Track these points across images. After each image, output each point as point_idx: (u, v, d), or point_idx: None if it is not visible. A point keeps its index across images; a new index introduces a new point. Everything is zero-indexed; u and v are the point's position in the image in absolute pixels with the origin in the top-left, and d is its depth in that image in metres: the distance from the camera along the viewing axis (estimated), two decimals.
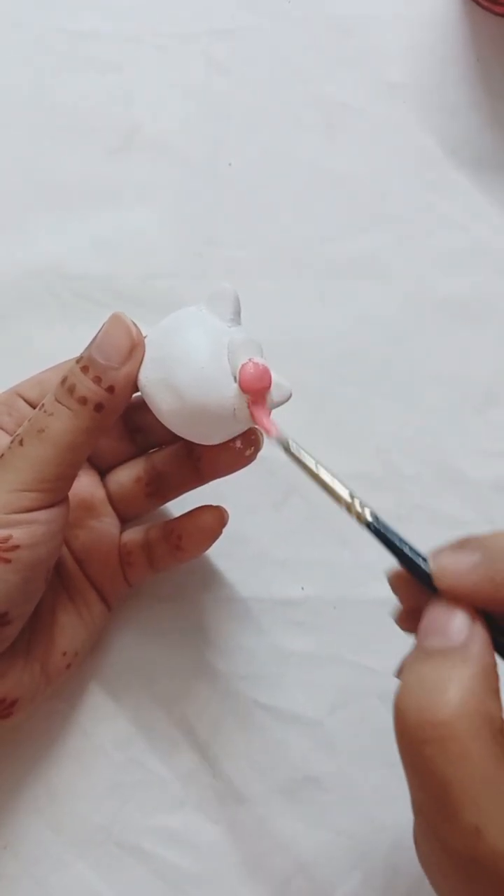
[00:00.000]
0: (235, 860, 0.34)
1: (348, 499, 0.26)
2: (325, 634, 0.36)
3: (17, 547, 0.27)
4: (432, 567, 0.24)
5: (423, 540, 0.36)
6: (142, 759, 0.35)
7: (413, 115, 0.39)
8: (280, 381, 0.28)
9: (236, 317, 0.29)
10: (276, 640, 0.36)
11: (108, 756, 0.35)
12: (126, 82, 0.39)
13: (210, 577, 0.36)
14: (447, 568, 0.24)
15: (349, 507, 0.26)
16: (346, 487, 0.26)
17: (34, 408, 0.31)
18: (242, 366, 0.27)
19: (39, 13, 0.39)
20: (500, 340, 0.38)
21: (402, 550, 0.25)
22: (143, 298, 0.38)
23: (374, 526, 0.25)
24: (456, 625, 0.23)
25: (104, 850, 0.34)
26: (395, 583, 0.26)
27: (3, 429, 0.31)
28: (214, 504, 0.33)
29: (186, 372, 0.27)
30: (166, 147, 0.39)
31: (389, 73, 0.39)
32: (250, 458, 0.31)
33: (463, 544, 0.24)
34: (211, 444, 0.30)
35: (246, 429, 0.29)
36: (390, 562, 0.36)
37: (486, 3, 0.39)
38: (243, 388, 0.27)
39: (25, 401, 0.32)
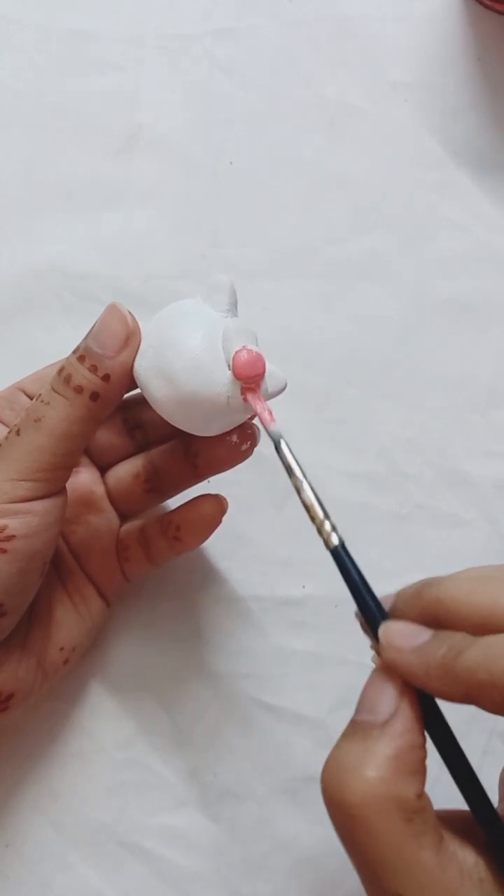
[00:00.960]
0: (237, 859, 0.34)
1: (321, 516, 0.25)
2: (327, 634, 0.36)
3: (12, 537, 0.27)
4: (381, 634, 0.24)
5: (426, 540, 0.37)
6: (143, 758, 0.35)
7: (415, 116, 0.39)
8: (275, 371, 0.28)
9: (233, 308, 0.29)
10: (277, 640, 0.36)
11: (110, 756, 0.35)
12: (129, 83, 0.39)
13: (211, 577, 0.36)
14: (393, 643, 0.23)
15: (320, 527, 0.25)
16: (323, 507, 0.26)
17: None
18: (236, 352, 0.27)
19: (42, 14, 0.39)
20: (502, 341, 0.38)
21: (358, 588, 0.25)
22: (146, 299, 0.38)
23: (338, 553, 0.25)
24: (383, 701, 0.23)
25: (106, 850, 0.34)
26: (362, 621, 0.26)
27: (3, 423, 0.31)
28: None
29: (180, 359, 0.27)
30: (169, 148, 0.39)
31: (391, 73, 0.39)
32: (246, 454, 0.31)
33: (424, 608, 0.23)
34: (206, 435, 0.29)
35: (241, 421, 0.29)
36: (393, 562, 0.37)
37: (487, 2, 0.39)
38: (236, 375, 0.27)
39: (27, 396, 0.32)
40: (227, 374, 0.27)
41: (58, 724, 0.35)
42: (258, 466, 0.32)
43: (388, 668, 0.23)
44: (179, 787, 0.35)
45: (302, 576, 0.36)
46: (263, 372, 0.28)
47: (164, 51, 0.39)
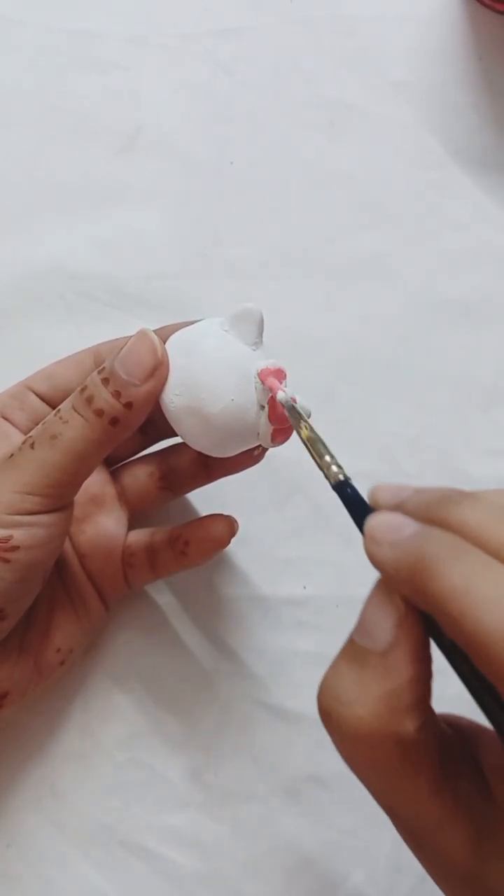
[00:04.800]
0: (239, 859, 0.34)
1: (328, 460, 0.25)
2: (329, 634, 0.36)
3: (16, 548, 0.27)
4: (366, 527, 0.22)
5: None
6: (145, 758, 0.35)
7: (416, 115, 0.39)
8: (304, 406, 0.29)
9: (259, 339, 0.29)
10: (279, 640, 0.36)
11: (112, 755, 0.35)
12: (130, 82, 0.39)
13: (213, 576, 0.36)
14: (374, 535, 0.21)
15: (326, 468, 0.24)
16: (328, 452, 0.25)
17: (44, 401, 0.32)
18: (276, 400, 0.28)
19: (43, 13, 0.39)
20: (503, 340, 0.38)
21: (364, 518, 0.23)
22: (147, 298, 0.38)
23: (342, 488, 0.24)
24: (381, 626, 0.21)
25: (108, 849, 0.34)
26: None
27: (14, 424, 0.31)
28: (222, 510, 0.33)
29: (216, 403, 0.27)
30: (170, 147, 0.39)
31: (392, 72, 0.39)
32: (258, 459, 0.32)
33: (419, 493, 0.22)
34: (226, 457, 0.30)
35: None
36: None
37: (488, 2, 0.39)
38: (273, 422, 0.28)
39: (36, 394, 0.32)
40: (261, 414, 0.28)
41: (59, 724, 0.35)
42: (259, 466, 0.32)
43: (388, 584, 0.21)
44: (181, 787, 0.35)
45: (303, 576, 0.36)
46: None
47: (165, 50, 0.39)
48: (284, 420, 0.28)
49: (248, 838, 0.35)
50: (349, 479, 0.24)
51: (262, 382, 0.28)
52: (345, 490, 0.24)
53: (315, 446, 0.25)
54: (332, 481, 0.24)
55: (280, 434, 0.29)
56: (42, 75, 0.39)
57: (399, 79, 0.39)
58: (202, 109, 0.39)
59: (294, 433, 0.29)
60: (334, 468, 0.25)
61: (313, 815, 0.35)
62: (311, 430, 0.26)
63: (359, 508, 0.23)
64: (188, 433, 0.29)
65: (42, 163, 0.38)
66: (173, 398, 0.28)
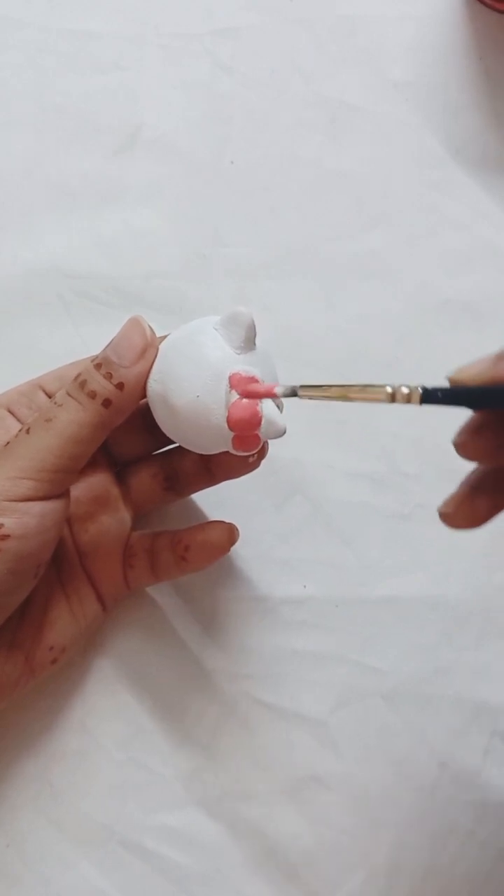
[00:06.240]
0: (238, 858, 0.34)
1: (390, 390, 0.25)
2: (328, 633, 0.36)
3: (7, 536, 0.27)
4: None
5: (427, 539, 0.37)
6: (144, 757, 0.35)
7: (416, 114, 0.39)
8: (273, 419, 0.29)
9: (248, 343, 0.29)
10: (278, 639, 0.36)
11: (110, 755, 0.35)
12: (130, 82, 0.39)
13: (212, 576, 0.36)
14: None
15: (394, 396, 0.25)
16: (378, 385, 0.25)
17: None
18: (231, 405, 0.28)
19: (43, 13, 0.39)
20: (503, 339, 0.38)
21: (468, 394, 0.24)
22: (146, 298, 0.38)
23: (432, 396, 0.24)
24: None
25: (107, 849, 0.34)
26: (468, 439, 0.25)
27: (19, 420, 0.32)
28: (221, 510, 0.33)
29: (182, 397, 0.28)
30: (170, 146, 0.39)
31: (392, 72, 0.39)
32: (254, 465, 0.32)
33: None
34: (205, 454, 0.31)
35: None
36: (394, 561, 0.37)
37: (489, 2, 0.39)
38: (230, 427, 0.28)
39: (46, 394, 0.32)
40: (225, 417, 0.28)
41: (58, 723, 0.35)
42: (260, 467, 0.32)
43: None
44: (180, 787, 0.35)
45: (302, 575, 0.36)
46: (258, 426, 0.29)
47: (164, 49, 0.39)
48: (243, 428, 0.28)
49: (247, 838, 0.35)
50: (420, 386, 0.24)
51: (231, 386, 0.28)
52: (435, 395, 0.24)
53: (361, 393, 0.25)
54: (416, 401, 0.24)
55: (242, 442, 0.29)
56: (41, 75, 0.39)
57: (399, 78, 0.39)
58: (202, 109, 0.39)
59: (275, 436, 0.29)
60: (404, 389, 0.25)
61: (313, 816, 0.35)
62: (339, 386, 0.26)
63: (456, 395, 0.24)
64: (162, 422, 0.30)
65: (41, 162, 0.38)
66: (152, 384, 0.29)
